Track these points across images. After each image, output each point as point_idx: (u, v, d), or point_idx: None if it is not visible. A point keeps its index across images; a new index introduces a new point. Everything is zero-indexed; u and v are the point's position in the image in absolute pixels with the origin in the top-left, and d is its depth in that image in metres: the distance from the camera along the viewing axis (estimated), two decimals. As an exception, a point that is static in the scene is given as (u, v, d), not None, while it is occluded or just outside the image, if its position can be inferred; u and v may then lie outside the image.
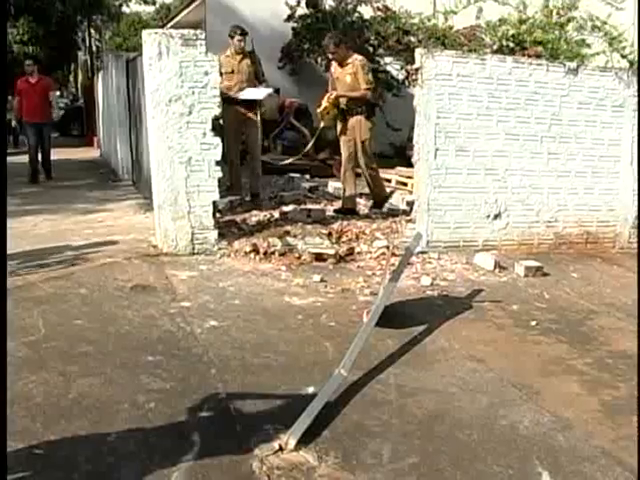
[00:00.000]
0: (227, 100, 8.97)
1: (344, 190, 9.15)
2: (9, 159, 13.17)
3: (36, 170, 13.08)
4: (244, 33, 9.28)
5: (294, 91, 15.04)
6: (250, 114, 9.44)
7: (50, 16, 22.59)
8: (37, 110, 12.82)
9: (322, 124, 9.41)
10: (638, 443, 3.59)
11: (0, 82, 9.47)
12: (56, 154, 14.43)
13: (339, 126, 9.03)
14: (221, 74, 8.42)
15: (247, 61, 9.35)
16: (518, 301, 6.15)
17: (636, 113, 8.10)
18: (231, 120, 9.33)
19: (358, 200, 9.46)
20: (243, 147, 9.97)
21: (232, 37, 9.23)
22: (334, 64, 8.93)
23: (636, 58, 8.44)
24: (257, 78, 9.45)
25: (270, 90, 9.67)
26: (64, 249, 7.18)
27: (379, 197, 9.44)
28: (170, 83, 7.00)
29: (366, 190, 9.61)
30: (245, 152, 10.04)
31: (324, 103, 8.77)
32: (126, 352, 4.69)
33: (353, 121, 8.78)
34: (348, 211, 8.98)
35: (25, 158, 13.57)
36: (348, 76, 8.68)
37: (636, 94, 8.10)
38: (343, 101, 8.76)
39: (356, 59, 8.76)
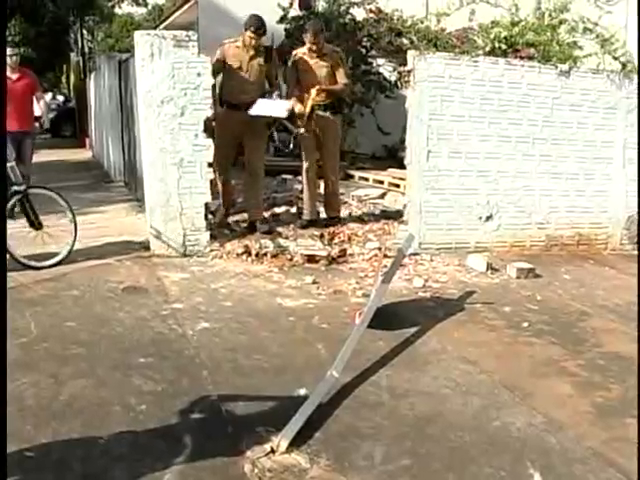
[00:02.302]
0: (228, 104, 7.72)
1: (311, 199, 8.37)
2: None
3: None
4: (259, 32, 7.53)
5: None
6: (252, 123, 7.70)
7: (42, 17, 22.58)
8: (17, 115, 9.34)
9: (301, 129, 8.08)
10: (638, 445, 3.59)
11: (0, 83, 8.41)
12: (48, 155, 14.42)
13: (303, 123, 8.04)
14: (224, 67, 7.58)
15: (260, 60, 7.64)
16: (510, 303, 6.16)
17: (628, 115, 8.13)
18: (227, 126, 7.71)
19: (350, 202, 9.42)
20: (237, 152, 8.49)
21: (245, 29, 7.55)
22: (303, 54, 8.00)
23: (628, 60, 8.45)
24: (269, 81, 7.88)
25: (289, 104, 7.77)
26: (56, 251, 7.16)
27: (334, 210, 8.47)
28: (162, 84, 6.99)
29: (362, 192, 9.56)
30: (237, 157, 8.70)
31: (310, 102, 7.80)
32: (118, 354, 4.68)
33: (322, 118, 7.96)
34: (311, 223, 8.24)
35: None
36: (324, 68, 7.90)
37: (628, 96, 8.12)
38: (317, 97, 7.84)
39: (334, 51, 8.14)
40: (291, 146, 9.91)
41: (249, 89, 7.59)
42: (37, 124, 10.04)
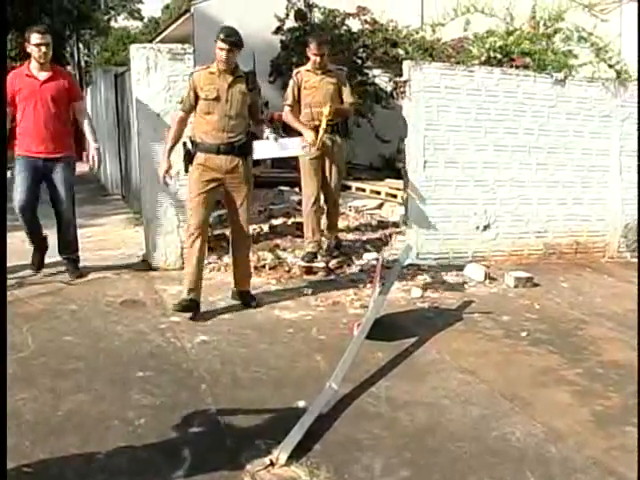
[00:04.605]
0: (205, 147, 5.87)
1: (315, 231, 7.43)
2: None
3: (43, 248, 7.04)
4: (233, 41, 5.77)
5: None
6: (237, 168, 5.92)
7: (38, 31, 22.59)
8: (45, 133, 6.58)
9: (313, 152, 7.03)
10: (638, 453, 3.58)
11: (0, 83, 6.22)
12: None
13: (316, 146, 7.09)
14: (196, 101, 5.91)
15: (241, 87, 5.90)
16: (508, 312, 6.15)
17: (623, 123, 8.16)
18: (205, 177, 5.87)
19: (348, 213, 9.39)
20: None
21: (216, 42, 5.84)
22: (307, 71, 7.32)
23: (623, 68, 8.48)
24: (252, 116, 6.10)
25: (302, 140, 6.66)
26: (53, 264, 7.15)
27: (335, 235, 7.82)
28: (158, 97, 7.00)
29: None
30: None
31: (324, 121, 7.00)
32: (116, 368, 4.67)
33: (330, 142, 7.24)
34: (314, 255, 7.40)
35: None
36: (331, 86, 7.23)
37: (623, 104, 8.15)
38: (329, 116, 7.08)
39: (340, 68, 7.60)
40: None
41: (232, 125, 5.87)
42: (94, 157, 6.98)
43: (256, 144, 6.08)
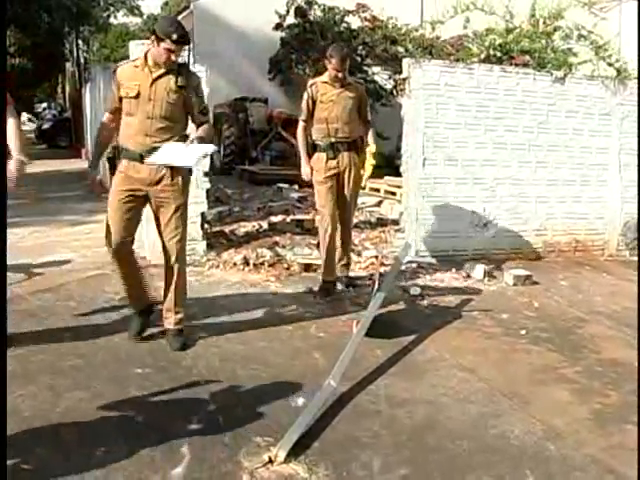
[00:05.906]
0: (126, 153, 4.95)
1: (329, 259, 6.59)
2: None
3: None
4: (186, 40, 4.93)
5: (283, 102, 15.04)
6: (164, 180, 4.94)
7: (38, 27, 22.61)
8: None
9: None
10: (638, 451, 3.58)
11: (0, 82, 5.46)
12: (44, 166, 14.34)
13: (324, 165, 6.46)
14: (120, 100, 4.95)
15: (170, 82, 4.90)
16: (507, 310, 6.15)
17: (623, 121, 8.16)
18: (125, 187, 4.97)
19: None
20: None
21: (161, 40, 4.76)
22: (323, 83, 6.48)
23: (623, 66, 8.49)
24: (191, 116, 5.11)
25: (210, 149, 5.10)
26: (52, 261, 7.14)
27: (348, 266, 6.91)
28: (158, 94, 6.97)
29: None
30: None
31: (368, 165, 6.55)
32: (115, 365, 4.66)
33: (347, 160, 6.45)
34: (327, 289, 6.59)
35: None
36: (350, 100, 6.44)
37: (622, 102, 8.16)
38: (341, 133, 6.45)
39: (358, 81, 7.10)
40: None
41: (157, 129, 4.90)
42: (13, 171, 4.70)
43: (163, 147, 4.87)
